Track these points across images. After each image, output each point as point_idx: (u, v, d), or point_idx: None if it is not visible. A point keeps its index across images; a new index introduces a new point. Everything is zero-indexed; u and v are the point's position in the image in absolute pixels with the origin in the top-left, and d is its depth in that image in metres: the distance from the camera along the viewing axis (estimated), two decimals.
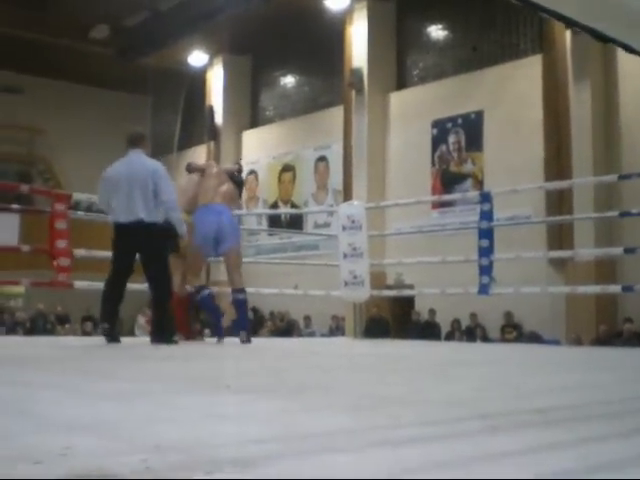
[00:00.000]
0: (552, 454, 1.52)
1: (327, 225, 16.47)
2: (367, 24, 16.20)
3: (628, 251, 7.99)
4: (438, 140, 15.32)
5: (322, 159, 17.92)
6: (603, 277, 11.18)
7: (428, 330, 13.72)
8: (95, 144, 20.13)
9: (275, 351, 6.04)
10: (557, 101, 13.07)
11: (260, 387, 2.79)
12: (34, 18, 17.50)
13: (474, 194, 10.46)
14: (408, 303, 14.81)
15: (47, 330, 14.99)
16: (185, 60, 19.85)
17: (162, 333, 5.68)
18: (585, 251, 10.92)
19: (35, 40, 18.53)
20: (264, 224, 18.52)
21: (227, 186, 6.56)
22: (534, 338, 12.44)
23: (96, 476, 1.20)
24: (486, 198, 7.43)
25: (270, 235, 18.60)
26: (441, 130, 15.28)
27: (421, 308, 14.48)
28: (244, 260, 7.25)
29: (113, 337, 5.62)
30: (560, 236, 12.46)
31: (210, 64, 20.24)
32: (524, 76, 13.93)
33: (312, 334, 15.38)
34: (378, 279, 12.38)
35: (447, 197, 13.77)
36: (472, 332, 13.62)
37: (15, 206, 8.53)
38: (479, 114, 14.64)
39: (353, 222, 8.11)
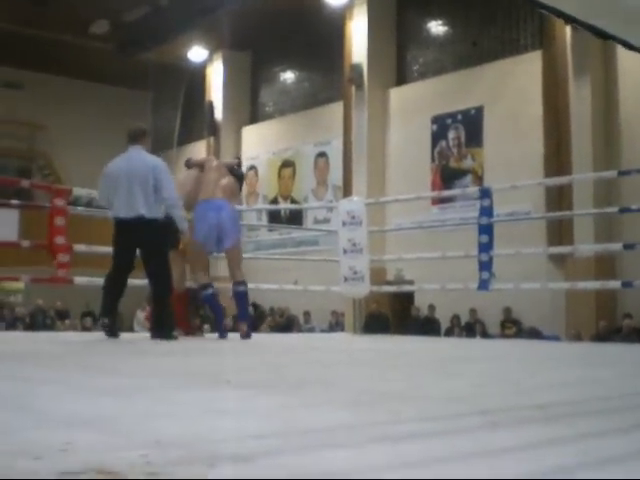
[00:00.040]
0: (552, 450, 1.53)
1: (327, 221, 16.47)
2: (367, 19, 16.18)
3: (628, 247, 7.99)
4: (438, 136, 15.32)
5: (322, 155, 17.91)
6: (603, 273, 11.19)
7: (428, 326, 13.72)
8: (95, 139, 20.13)
9: (275, 346, 6.04)
10: (557, 97, 13.06)
11: (260, 382, 2.79)
12: (34, 14, 17.46)
13: (474, 190, 10.45)
14: (408, 299, 14.81)
15: (47, 325, 14.98)
16: (185, 56, 19.82)
17: (162, 329, 5.68)
18: (585, 247, 10.92)
19: (35, 35, 18.51)
20: (264, 220, 18.53)
21: (227, 179, 6.55)
22: (534, 334, 12.44)
23: (97, 473, 1.20)
24: (486, 194, 7.43)
25: (270, 231, 18.60)
26: (441, 126, 15.27)
27: (421, 304, 14.48)
28: (244, 256, 7.25)
29: (112, 332, 5.63)
30: (560, 232, 12.46)
31: (210, 60, 20.22)
32: (524, 72, 13.92)
33: (312, 330, 15.38)
34: (378, 275, 12.38)
35: (447, 193, 13.77)
36: (472, 328, 13.62)
37: (15, 201, 8.52)
38: (479, 110, 14.63)
39: (353, 218, 8.11)
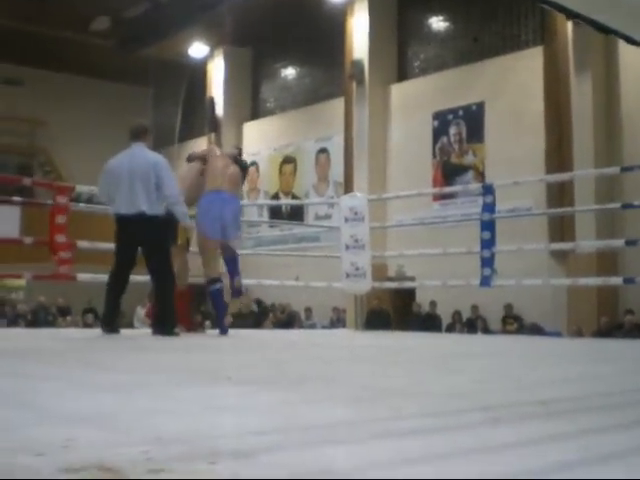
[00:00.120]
0: (553, 445, 1.53)
1: (328, 217, 16.48)
2: (368, 15, 16.16)
3: (629, 243, 7.98)
4: (439, 132, 15.30)
5: (323, 151, 17.90)
6: (604, 269, 11.17)
7: (429, 322, 13.72)
8: (96, 136, 20.14)
9: (276, 343, 6.05)
10: (558, 93, 13.04)
11: (261, 379, 2.79)
12: (35, 10, 17.46)
13: (476, 186, 10.46)
14: (409, 295, 14.82)
15: (48, 322, 14.99)
16: (186, 52, 19.80)
17: (163, 325, 5.69)
18: (586, 243, 10.91)
19: (36, 32, 18.51)
20: (265, 216, 18.53)
21: (233, 169, 6.57)
22: (535, 330, 12.44)
23: (98, 470, 1.20)
24: (488, 190, 7.43)
25: (271, 227, 18.60)
26: (442, 122, 15.25)
27: (422, 300, 14.49)
28: (244, 252, 7.25)
29: (112, 328, 5.64)
30: (561, 228, 12.45)
31: (211, 56, 20.20)
32: (525, 67, 13.90)
33: (313, 326, 15.38)
34: (379, 271, 12.38)
35: (449, 189, 13.76)
36: (473, 324, 13.62)
37: (16, 198, 8.51)
38: (480, 105, 14.62)
39: (355, 214, 8.11)
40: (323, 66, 18.48)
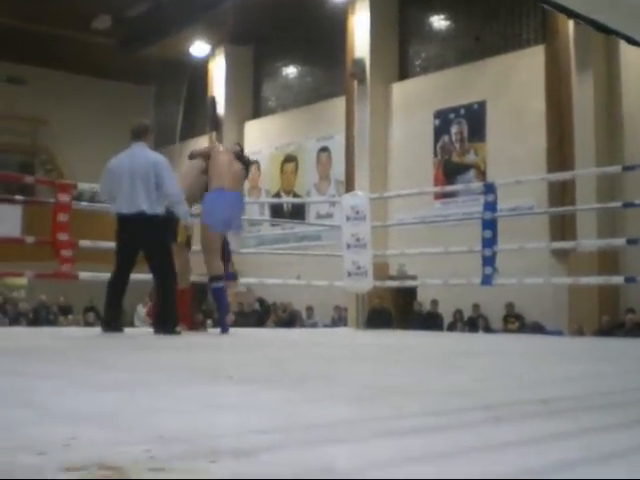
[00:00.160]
0: (555, 444, 1.53)
1: (329, 216, 16.48)
2: (369, 14, 16.14)
3: (631, 242, 7.98)
4: (440, 130, 15.29)
5: (324, 150, 17.89)
6: (606, 268, 11.16)
7: (430, 321, 13.72)
8: (97, 134, 20.15)
9: (277, 341, 6.05)
10: (560, 91, 13.03)
11: (262, 377, 2.80)
12: (36, 9, 17.46)
13: (478, 185, 10.45)
14: (410, 294, 14.81)
15: (50, 321, 15.01)
16: (187, 50, 19.78)
17: (165, 324, 5.70)
18: (588, 242, 10.91)
19: (37, 31, 18.50)
20: (266, 214, 18.53)
21: (237, 165, 6.58)
22: (537, 329, 12.44)
23: (100, 468, 1.20)
24: (490, 189, 7.43)
25: (272, 225, 18.60)
26: (443, 120, 15.24)
27: (423, 299, 14.48)
28: (245, 250, 7.26)
29: (115, 327, 5.65)
30: (563, 227, 12.45)
31: (212, 54, 20.19)
32: (527, 66, 13.89)
33: (314, 325, 15.39)
34: (381, 270, 12.38)
35: (450, 188, 13.76)
36: (474, 323, 13.61)
37: (18, 197, 8.51)
38: (482, 104, 14.61)
39: (357, 213, 8.11)
40: (324, 65, 18.47)
